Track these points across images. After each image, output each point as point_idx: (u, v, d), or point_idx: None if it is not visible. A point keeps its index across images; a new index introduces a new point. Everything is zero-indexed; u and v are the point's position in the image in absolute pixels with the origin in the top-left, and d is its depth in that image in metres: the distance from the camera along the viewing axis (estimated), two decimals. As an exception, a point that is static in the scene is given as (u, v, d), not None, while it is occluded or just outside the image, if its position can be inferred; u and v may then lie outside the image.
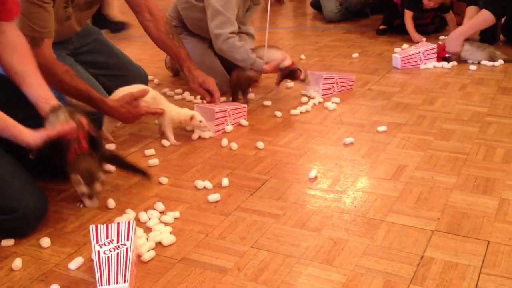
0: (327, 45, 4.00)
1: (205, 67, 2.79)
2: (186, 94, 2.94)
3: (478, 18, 3.36)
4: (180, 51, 2.55)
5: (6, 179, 1.66)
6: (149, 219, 1.76)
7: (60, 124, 1.68)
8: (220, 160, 2.19)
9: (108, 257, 1.42)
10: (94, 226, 1.50)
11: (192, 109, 2.43)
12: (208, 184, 1.97)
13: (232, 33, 2.66)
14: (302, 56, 3.66)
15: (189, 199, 1.90)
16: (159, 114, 2.32)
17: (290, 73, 2.75)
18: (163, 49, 2.62)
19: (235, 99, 2.75)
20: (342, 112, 2.65)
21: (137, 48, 4.06)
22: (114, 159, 1.96)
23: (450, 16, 3.96)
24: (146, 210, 1.81)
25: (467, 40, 3.34)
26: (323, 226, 1.71)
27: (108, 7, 4.57)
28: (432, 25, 4.05)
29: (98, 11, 4.38)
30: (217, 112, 2.40)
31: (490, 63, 3.29)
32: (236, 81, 2.73)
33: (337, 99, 2.76)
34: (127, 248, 1.45)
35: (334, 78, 2.86)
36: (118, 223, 1.53)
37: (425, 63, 3.32)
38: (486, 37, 3.57)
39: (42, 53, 2.06)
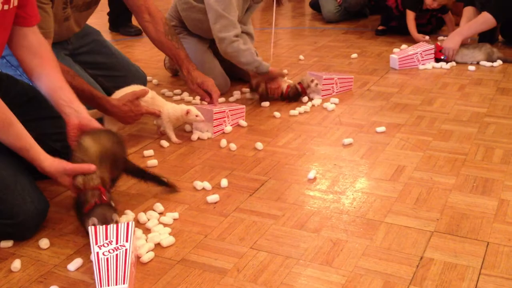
0: (326, 45, 4.00)
1: (205, 67, 2.79)
2: (185, 95, 2.94)
3: (479, 20, 3.37)
4: (179, 52, 2.55)
5: (8, 183, 1.66)
6: (148, 220, 1.76)
7: (81, 167, 1.66)
8: (219, 161, 2.19)
9: (107, 258, 1.42)
10: (93, 227, 1.50)
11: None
12: (207, 185, 1.97)
13: (236, 36, 2.66)
14: (301, 57, 3.65)
15: (188, 200, 1.90)
16: (157, 115, 2.33)
17: (295, 97, 2.80)
18: (162, 50, 2.62)
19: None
20: (341, 112, 2.65)
21: (136, 49, 4.05)
22: (137, 172, 1.92)
23: (448, 17, 3.96)
24: (145, 211, 1.81)
25: (463, 45, 3.34)
26: (322, 227, 1.71)
27: None
28: (430, 25, 4.06)
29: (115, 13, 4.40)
30: (215, 113, 2.40)
31: (488, 64, 3.29)
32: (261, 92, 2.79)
33: (336, 100, 2.76)
34: (126, 249, 1.44)
35: (333, 79, 2.86)
36: (117, 224, 1.52)
37: (423, 64, 3.33)
38: (485, 38, 3.57)
39: None
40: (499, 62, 3.29)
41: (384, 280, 1.45)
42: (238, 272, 1.51)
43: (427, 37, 3.76)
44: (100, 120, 2.04)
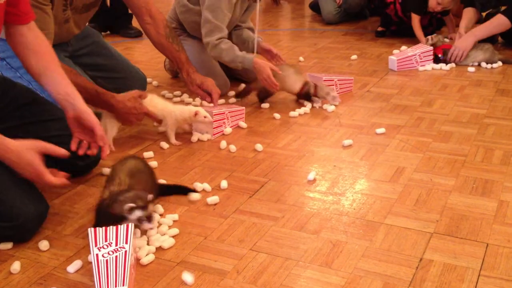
0: (326, 47, 4.00)
1: (205, 69, 2.80)
2: (185, 96, 2.94)
3: (493, 22, 3.36)
4: (180, 55, 2.56)
5: (7, 185, 1.65)
6: (148, 221, 1.75)
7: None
8: (219, 162, 2.19)
9: (106, 260, 1.42)
10: (92, 229, 1.50)
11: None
12: (207, 186, 1.97)
13: (219, 38, 2.71)
14: (301, 58, 3.66)
15: (188, 201, 1.89)
16: (157, 121, 2.36)
17: (306, 96, 2.75)
18: (162, 53, 2.63)
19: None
20: (340, 114, 2.65)
21: (136, 50, 4.05)
22: (161, 190, 1.92)
23: (449, 18, 3.97)
24: (144, 212, 1.81)
25: None
26: (322, 229, 1.70)
27: None
28: (431, 27, 4.06)
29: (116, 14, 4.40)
30: (215, 115, 2.40)
31: (488, 65, 3.29)
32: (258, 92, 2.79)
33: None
34: (125, 251, 1.44)
35: (333, 80, 2.86)
36: (117, 226, 1.52)
37: (421, 65, 3.33)
38: (485, 39, 3.56)
39: None
40: (499, 63, 3.29)
41: (384, 282, 1.45)
42: (237, 273, 1.51)
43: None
44: (98, 115, 2.04)
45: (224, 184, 1.98)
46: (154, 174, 1.88)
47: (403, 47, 3.73)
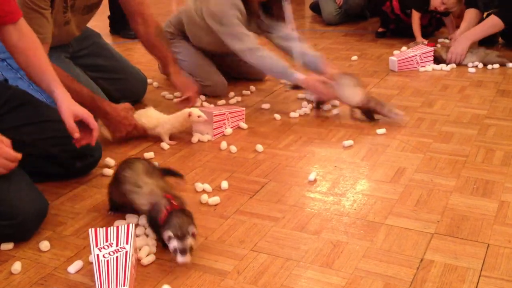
0: (326, 47, 4.00)
1: (202, 71, 2.79)
2: (185, 97, 2.93)
3: (487, 23, 3.36)
4: (167, 54, 2.56)
5: (6, 185, 1.66)
6: (149, 222, 1.75)
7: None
8: (219, 163, 2.19)
9: (107, 261, 1.42)
10: (93, 229, 1.50)
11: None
12: (207, 187, 1.97)
13: (251, 48, 2.60)
14: (301, 59, 3.65)
15: (189, 202, 1.89)
16: (141, 133, 2.37)
17: (367, 113, 2.55)
18: (150, 51, 2.60)
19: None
20: (341, 115, 2.64)
21: (136, 52, 4.05)
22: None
23: (449, 18, 3.96)
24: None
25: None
26: (323, 229, 1.70)
27: None
28: (430, 27, 4.06)
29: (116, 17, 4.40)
30: (215, 116, 2.40)
31: (489, 66, 3.29)
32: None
33: (336, 102, 2.76)
34: (126, 252, 1.45)
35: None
36: (118, 227, 1.52)
37: (422, 66, 3.33)
38: (485, 40, 3.57)
39: None
40: (496, 65, 3.28)
41: (385, 282, 1.45)
42: (238, 274, 1.51)
43: (425, 42, 3.74)
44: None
45: (224, 184, 1.98)
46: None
47: (404, 48, 3.72)
